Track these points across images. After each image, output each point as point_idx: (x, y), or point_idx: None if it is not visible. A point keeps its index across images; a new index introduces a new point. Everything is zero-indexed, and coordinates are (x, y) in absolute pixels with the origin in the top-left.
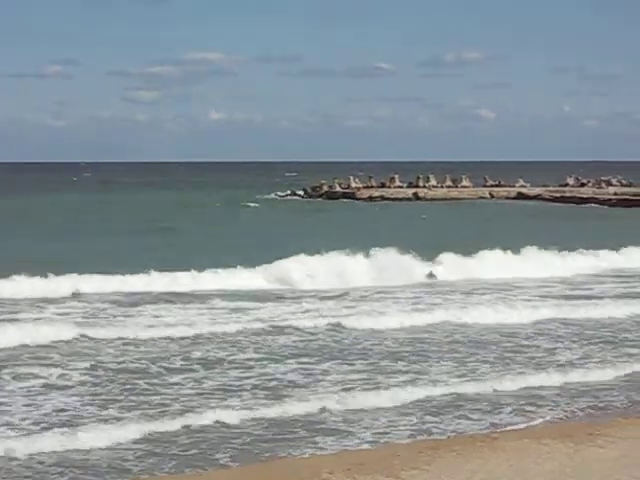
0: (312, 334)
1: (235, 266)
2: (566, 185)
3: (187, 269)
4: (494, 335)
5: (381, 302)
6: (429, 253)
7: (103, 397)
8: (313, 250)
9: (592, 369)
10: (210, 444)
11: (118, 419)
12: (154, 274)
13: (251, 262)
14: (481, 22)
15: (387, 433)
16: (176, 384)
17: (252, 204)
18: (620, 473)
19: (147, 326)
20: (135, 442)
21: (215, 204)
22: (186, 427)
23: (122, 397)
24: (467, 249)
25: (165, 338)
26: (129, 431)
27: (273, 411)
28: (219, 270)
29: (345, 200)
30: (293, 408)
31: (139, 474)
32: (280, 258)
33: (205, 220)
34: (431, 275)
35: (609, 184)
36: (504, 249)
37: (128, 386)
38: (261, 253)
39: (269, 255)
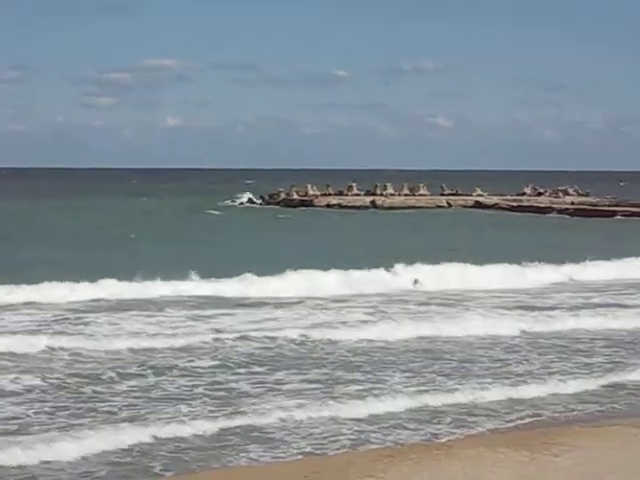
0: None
1: (208, 276)
2: (523, 194)
3: (153, 278)
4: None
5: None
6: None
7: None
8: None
9: (547, 380)
10: (148, 455)
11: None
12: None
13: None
14: (438, 31)
15: (324, 444)
16: (124, 392)
17: (213, 212)
18: None
19: (103, 335)
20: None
21: (174, 211)
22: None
23: (69, 404)
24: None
25: (119, 348)
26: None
27: (218, 420)
28: (195, 278)
29: (303, 208)
30: (240, 417)
31: None
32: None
33: (166, 228)
34: (416, 282)
35: (566, 193)
36: (466, 260)
37: (76, 394)
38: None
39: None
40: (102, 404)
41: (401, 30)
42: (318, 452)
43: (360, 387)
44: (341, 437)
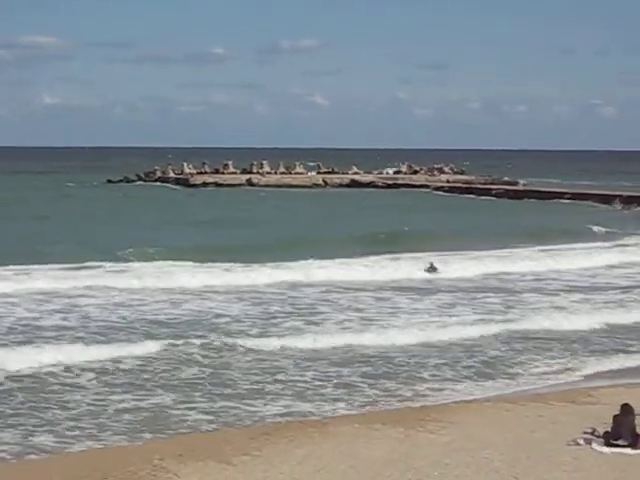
0: None
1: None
2: (399, 172)
3: None
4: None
5: None
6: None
7: None
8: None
9: None
10: None
11: None
12: None
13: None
14: (317, 9)
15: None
16: None
17: (82, 188)
18: (450, 457)
19: None
20: None
21: (48, 189)
22: None
23: None
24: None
25: None
26: None
27: None
28: None
29: (177, 187)
30: None
31: None
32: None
33: (36, 203)
34: (432, 268)
35: (441, 172)
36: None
37: None
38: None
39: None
40: None
41: (279, 7)
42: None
43: None
44: None
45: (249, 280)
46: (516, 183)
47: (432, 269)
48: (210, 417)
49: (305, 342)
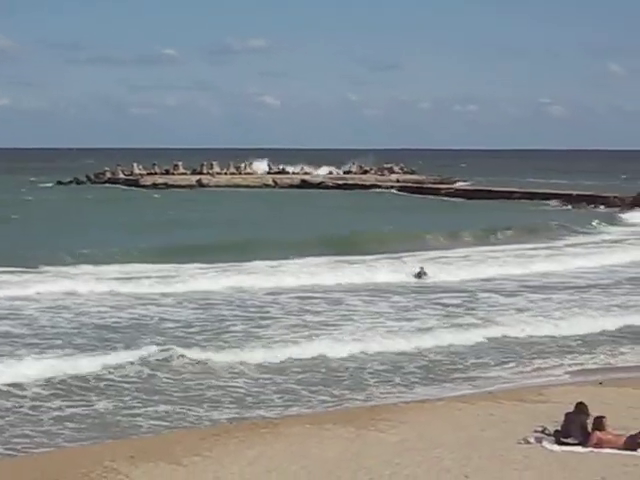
0: None
1: None
2: (349, 172)
3: None
4: None
5: None
6: None
7: None
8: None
9: None
10: None
11: None
12: None
13: None
14: (268, 9)
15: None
16: None
17: (33, 192)
18: (401, 457)
19: None
20: None
21: None
22: None
23: None
24: None
25: None
26: None
27: None
28: None
29: (125, 187)
30: None
31: None
32: None
33: None
34: (421, 274)
35: (392, 171)
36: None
37: None
38: None
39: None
40: None
41: (230, 8)
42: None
43: None
44: None
45: (199, 283)
46: (467, 182)
47: (422, 274)
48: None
49: (253, 353)
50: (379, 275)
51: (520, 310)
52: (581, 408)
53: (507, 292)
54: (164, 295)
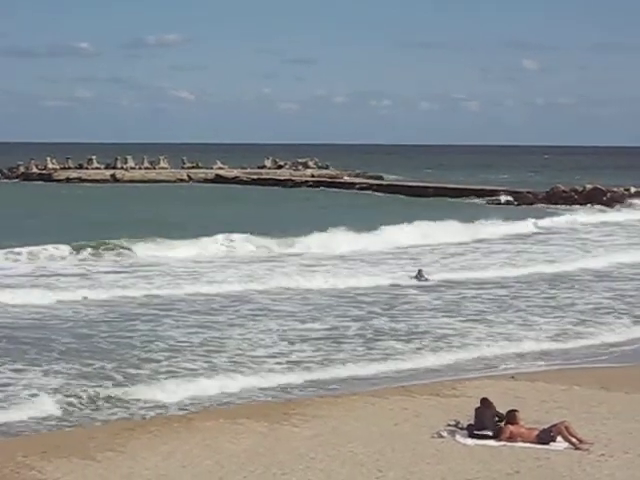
0: None
1: None
2: (263, 167)
3: None
4: None
5: None
6: None
7: None
8: None
9: None
10: None
11: None
12: None
13: None
14: (181, 3)
15: None
16: None
17: None
18: (314, 451)
19: None
20: None
21: None
22: None
23: None
24: None
25: None
26: None
27: None
28: None
29: (39, 182)
30: None
31: None
32: None
33: None
34: (421, 276)
35: (306, 166)
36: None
37: None
38: None
39: None
40: None
41: (143, 1)
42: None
43: None
44: None
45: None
46: (381, 177)
47: (420, 276)
48: None
49: None
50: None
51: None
52: (486, 403)
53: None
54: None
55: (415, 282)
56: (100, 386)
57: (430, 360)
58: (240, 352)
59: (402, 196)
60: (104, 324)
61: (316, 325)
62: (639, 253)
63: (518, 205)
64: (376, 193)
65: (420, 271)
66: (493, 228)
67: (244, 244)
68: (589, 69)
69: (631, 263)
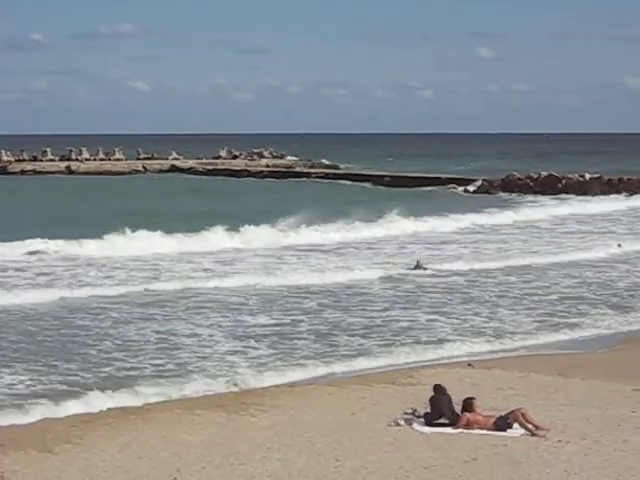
0: None
1: None
2: (219, 157)
3: None
4: None
5: None
6: None
7: None
8: None
9: None
10: None
11: None
12: None
13: None
14: None
15: None
16: None
17: None
18: (271, 441)
19: None
20: None
21: None
22: None
23: None
24: None
25: None
26: None
27: None
28: None
29: None
30: None
31: None
32: None
33: None
34: (419, 266)
35: (261, 156)
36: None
37: None
38: None
39: None
40: None
41: None
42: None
43: None
44: None
45: None
46: (337, 167)
47: (419, 266)
48: None
49: None
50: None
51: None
52: (439, 389)
53: None
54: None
55: (416, 272)
56: (56, 382)
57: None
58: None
59: (367, 184)
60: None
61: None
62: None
63: (474, 193)
64: (343, 181)
65: (418, 262)
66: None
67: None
68: (546, 58)
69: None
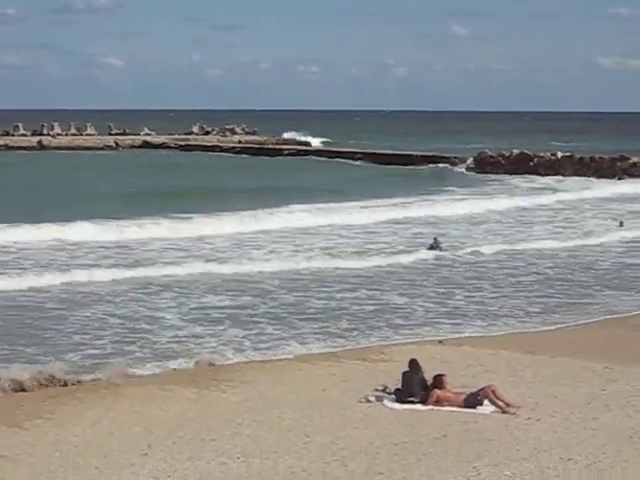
0: None
1: None
2: (191, 133)
3: None
4: None
5: None
6: None
7: None
8: None
9: None
10: None
11: None
12: None
13: None
14: None
15: None
16: None
17: None
18: (242, 417)
19: None
20: None
21: None
22: None
23: None
24: None
25: None
26: None
27: None
28: None
29: None
30: None
31: None
32: None
33: None
34: (436, 246)
35: (234, 132)
36: None
37: None
38: None
39: None
40: None
41: None
42: None
43: None
44: None
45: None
46: (308, 144)
47: (436, 245)
48: None
49: None
50: None
51: None
52: (414, 365)
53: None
54: None
55: (433, 253)
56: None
57: None
58: None
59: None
60: None
61: None
62: None
63: (453, 165)
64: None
65: (436, 239)
66: None
67: None
68: (524, 37)
69: None
